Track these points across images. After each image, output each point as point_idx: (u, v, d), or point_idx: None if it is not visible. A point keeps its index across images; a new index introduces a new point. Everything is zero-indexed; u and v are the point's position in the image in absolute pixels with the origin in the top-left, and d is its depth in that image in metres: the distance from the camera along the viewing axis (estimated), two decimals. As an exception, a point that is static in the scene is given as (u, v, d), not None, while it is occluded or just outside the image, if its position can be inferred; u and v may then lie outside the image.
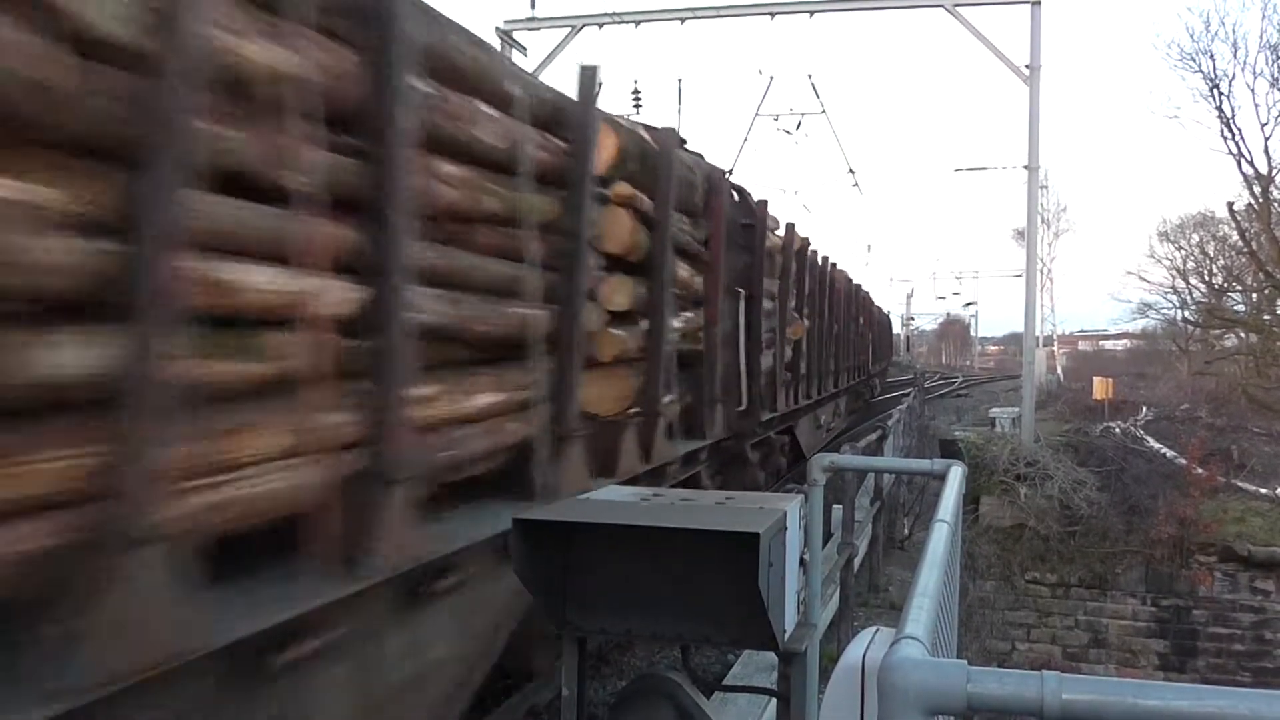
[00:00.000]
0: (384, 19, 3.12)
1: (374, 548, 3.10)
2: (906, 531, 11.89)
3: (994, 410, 22.12)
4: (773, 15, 16.96)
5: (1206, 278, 34.29)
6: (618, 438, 5.54)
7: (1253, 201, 24.86)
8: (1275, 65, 23.68)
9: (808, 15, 16.89)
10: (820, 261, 14.68)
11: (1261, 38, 25.52)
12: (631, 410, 5.84)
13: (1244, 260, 27.76)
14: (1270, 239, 23.99)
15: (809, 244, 13.08)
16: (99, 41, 2.18)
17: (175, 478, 2.37)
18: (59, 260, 2.15)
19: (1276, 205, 23.87)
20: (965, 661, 1.20)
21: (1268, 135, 23.72)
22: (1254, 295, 27.73)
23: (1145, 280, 38.60)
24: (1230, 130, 24.00)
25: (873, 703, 2.45)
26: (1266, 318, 26.28)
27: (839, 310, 16.83)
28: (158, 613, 2.27)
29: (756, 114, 25.93)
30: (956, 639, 2.92)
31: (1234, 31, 40.53)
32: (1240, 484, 16.09)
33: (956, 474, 3.26)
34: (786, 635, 2.72)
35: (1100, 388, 22.99)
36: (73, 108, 2.13)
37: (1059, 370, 36.81)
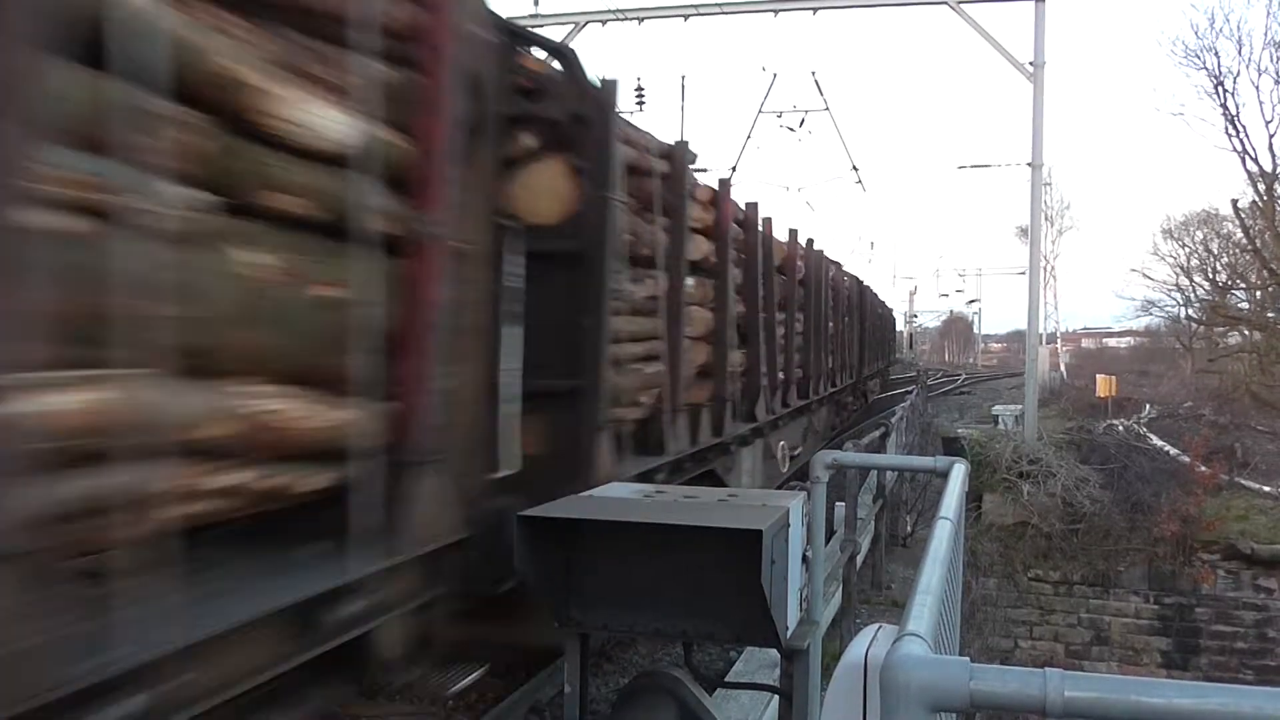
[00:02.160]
0: None
1: None
2: (909, 529, 11.89)
3: (997, 408, 22.12)
4: (776, 12, 16.97)
5: (1210, 275, 34.27)
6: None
7: (1257, 199, 24.84)
8: (1279, 63, 23.66)
9: (811, 12, 16.90)
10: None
11: (1266, 35, 25.54)
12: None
13: (1248, 258, 27.75)
14: (1275, 236, 23.97)
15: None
16: None
17: None
18: None
19: (1281, 202, 23.85)
20: (968, 659, 1.20)
21: (1272, 132, 23.72)
22: (1258, 293, 27.70)
23: (1149, 277, 38.70)
24: (1235, 127, 24.01)
25: (875, 700, 2.45)
26: (1270, 315, 26.25)
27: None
28: None
29: (760, 111, 25.88)
30: (959, 636, 2.92)
31: (1238, 29, 40.44)
32: (1243, 482, 16.08)
33: (959, 471, 3.26)
34: (789, 632, 2.73)
35: (1103, 385, 22.99)
36: None
37: (1062, 368, 36.79)
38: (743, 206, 9.11)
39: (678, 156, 6.60)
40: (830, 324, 14.79)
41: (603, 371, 4.66)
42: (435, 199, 3.39)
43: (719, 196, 7.85)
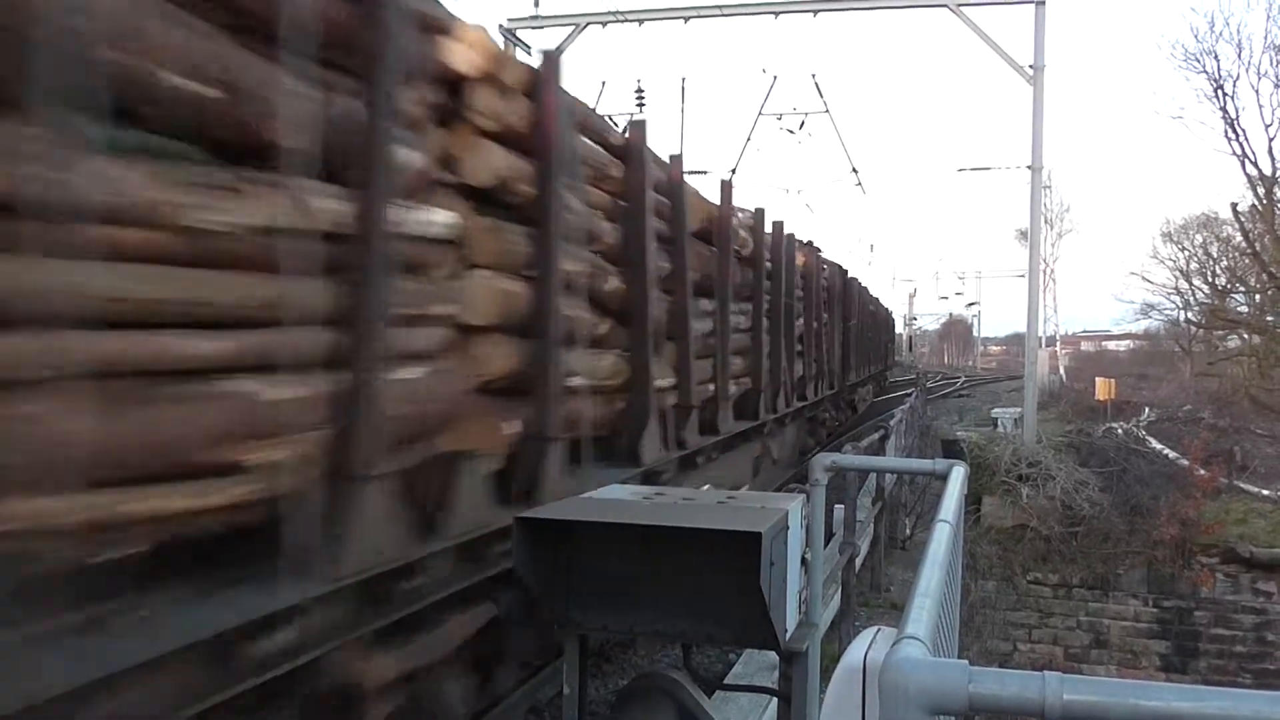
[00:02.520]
0: None
1: None
2: (908, 531, 11.89)
3: (996, 410, 22.10)
4: (776, 14, 16.96)
5: (1210, 279, 34.33)
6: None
7: (1256, 202, 24.88)
8: (1279, 66, 23.70)
9: (811, 15, 16.90)
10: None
11: (1266, 39, 25.60)
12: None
13: (1247, 261, 27.77)
14: (1274, 240, 23.98)
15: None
16: None
17: None
18: None
19: (1280, 206, 23.87)
20: (967, 662, 1.20)
21: (1272, 136, 23.77)
22: (1257, 296, 27.73)
23: (1148, 281, 38.67)
24: (1234, 131, 24.06)
25: (874, 703, 2.45)
26: (1270, 319, 26.26)
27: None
28: None
29: (760, 113, 25.85)
30: (958, 639, 2.92)
31: (1238, 32, 40.68)
32: (1242, 485, 16.08)
33: (958, 474, 3.25)
34: (788, 635, 2.73)
35: (1103, 388, 22.98)
36: None
37: (1061, 371, 36.78)
38: (619, 126, 5.99)
39: None
40: (800, 321, 12.13)
41: None
42: None
43: (541, 80, 4.56)
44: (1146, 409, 22.56)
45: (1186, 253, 36.38)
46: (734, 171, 24.45)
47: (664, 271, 6.39)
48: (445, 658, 3.64)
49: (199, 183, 2.58)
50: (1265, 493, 15.64)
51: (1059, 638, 14.80)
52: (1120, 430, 19.21)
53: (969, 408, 28.39)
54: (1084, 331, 63.84)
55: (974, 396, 34.29)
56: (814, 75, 27.61)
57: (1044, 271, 34.12)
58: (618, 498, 3.09)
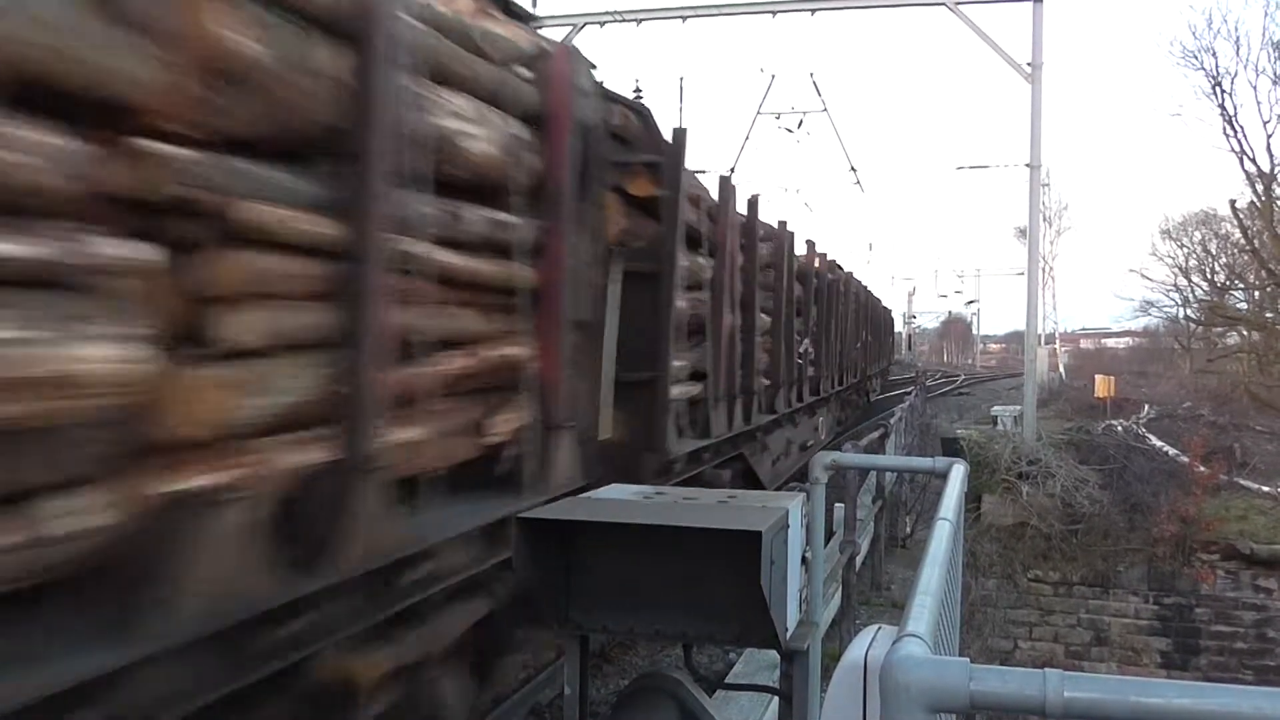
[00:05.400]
0: None
1: None
2: (908, 530, 11.89)
3: (996, 408, 22.11)
4: (774, 13, 16.96)
5: (1209, 275, 34.36)
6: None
7: (1255, 199, 24.92)
8: (1277, 63, 23.74)
9: (809, 13, 16.90)
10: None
11: (1264, 35, 25.68)
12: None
13: (1246, 258, 27.81)
14: (1273, 236, 24.00)
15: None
16: None
17: None
18: None
19: (1279, 203, 23.87)
20: (967, 660, 1.20)
21: (1270, 133, 23.85)
22: (1256, 293, 27.76)
23: (1147, 278, 38.81)
24: (1232, 128, 24.12)
25: (875, 701, 2.45)
26: (1269, 315, 26.29)
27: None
28: None
29: (758, 112, 25.93)
30: (959, 637, 2.92)
31: (1236, 29, 40.76)
32: (1243, 482, 16.08)
33: (958, 472, 3.25)
34: (789, 634, 2.72)
35: (1102, 386, 23.00)
36: None
37: (1061, 368, 36.80)
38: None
39: None
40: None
41: None
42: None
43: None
44: (1146, 406, 22.57)
45: (1185, 250, 36.47)
46: (732, 170, 24.46)
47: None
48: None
49: None
50: (1265, 489, 15.64)
51: (1060, 635, 14.80)
52: (1120, 427, 19.22)
53: (969, 406, 28.40)
54: (1083, 329, 63.89)
55: (973, 394, 34.30)
56: (812, 74, 27.74)
57: (1043, 269, 34.15)
58: (618, 497, 3.09)
